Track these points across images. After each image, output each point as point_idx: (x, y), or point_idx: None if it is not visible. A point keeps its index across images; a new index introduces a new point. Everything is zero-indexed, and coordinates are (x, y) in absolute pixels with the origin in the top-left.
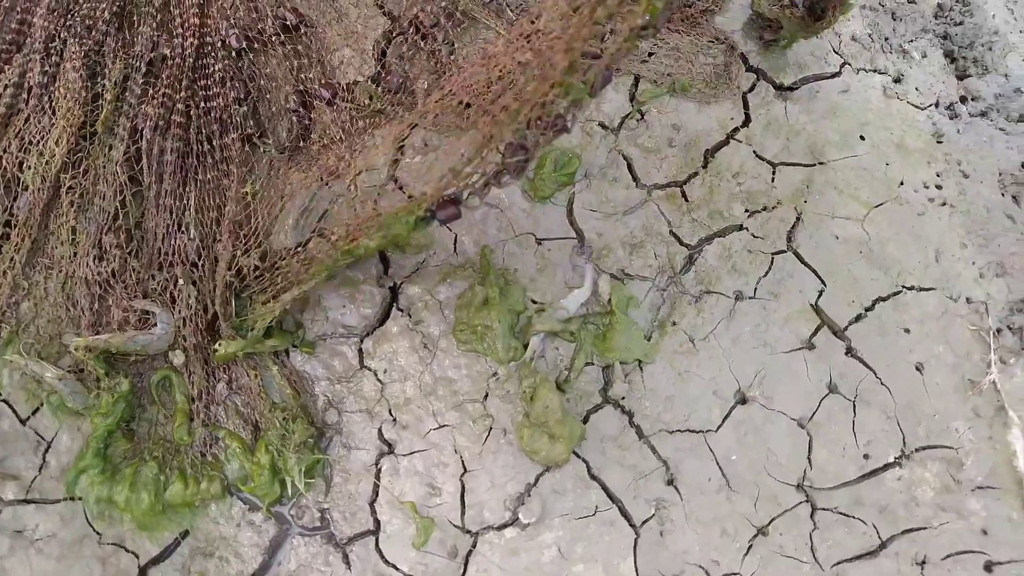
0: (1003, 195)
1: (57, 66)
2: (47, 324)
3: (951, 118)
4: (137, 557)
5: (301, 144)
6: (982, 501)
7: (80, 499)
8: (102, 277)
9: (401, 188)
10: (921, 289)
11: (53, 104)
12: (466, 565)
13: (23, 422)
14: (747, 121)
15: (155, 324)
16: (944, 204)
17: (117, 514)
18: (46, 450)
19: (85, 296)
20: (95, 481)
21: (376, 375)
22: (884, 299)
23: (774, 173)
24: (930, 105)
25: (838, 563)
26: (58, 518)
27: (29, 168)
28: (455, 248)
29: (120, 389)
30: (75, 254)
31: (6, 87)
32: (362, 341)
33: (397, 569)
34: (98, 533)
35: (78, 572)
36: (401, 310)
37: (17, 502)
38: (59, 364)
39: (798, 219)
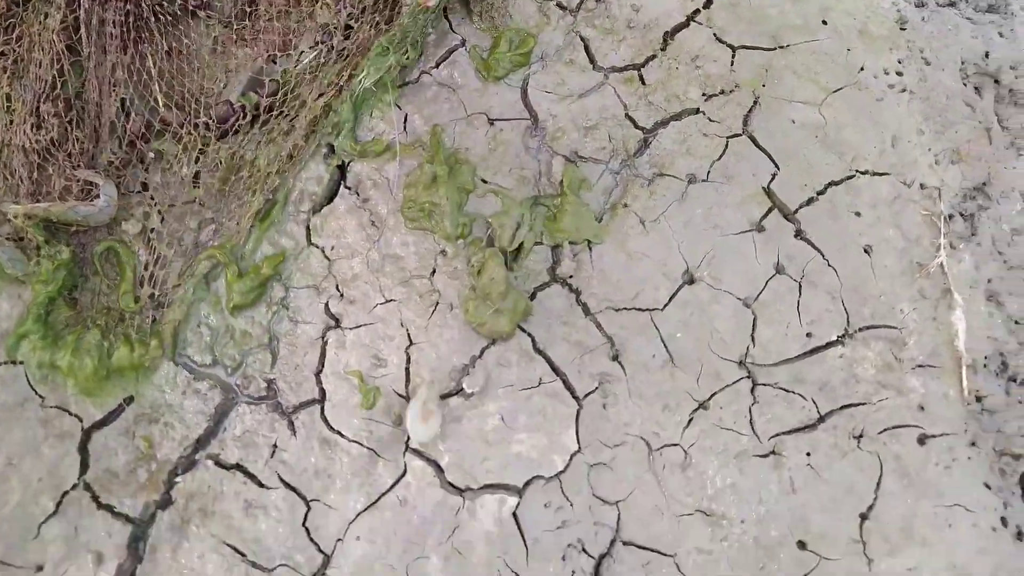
0: (964, 84)
1: None
2: None
3: (917, 5)
4: (80, 420)
5: (246, 18)
6: (921, 379)
7: (21, 363)
8: (41, 146)
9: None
10: (875, 174)
11: None
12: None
13: None
14: (708, 3)
15: (98, 196)
16: (904, 91)
17: (60, 379)
18: None
19: (23, 164)
20: (37, 346)
21: (323, 252)
22: (837, 183)
23: (733, 56)
24: None
25: (776, 435)
26: None
27: None
28: (405, 127)
29: (61, 257)
30: (11, 122)
31: None
32: (310, 218)
33: (342, 435)
34: (40, 396)
35: (20, 433)
36: (349, 188)
37: None
38: None
39: (755, 103)
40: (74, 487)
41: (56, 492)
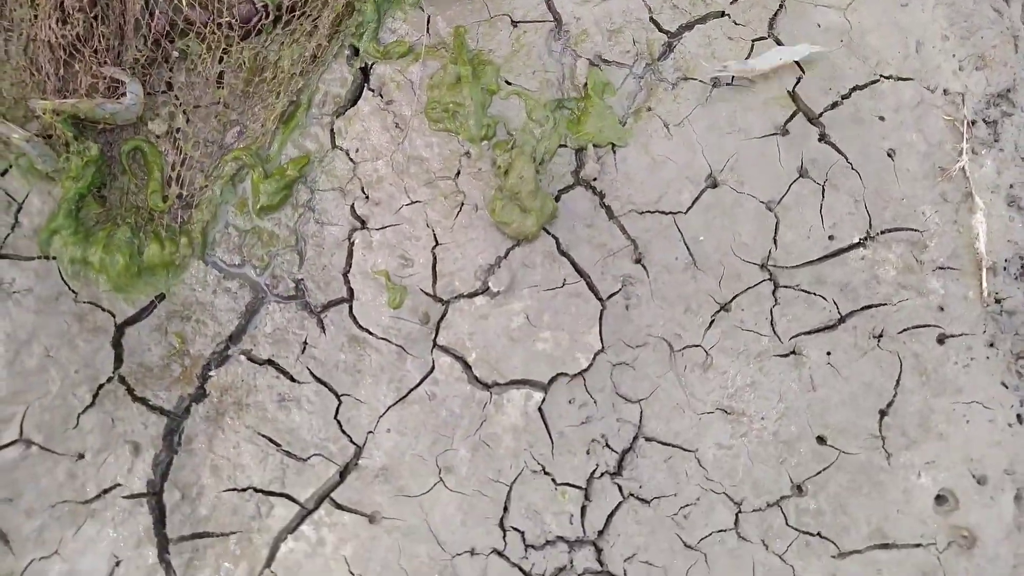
0: None
1: None
2: (10, 87)
3: None
4: (113, 316)
5: None
6: (941, 280)
7: (54, 259)
8: (66, 41)
9: None
10: (899, 79)
11: None
12: (437, 329)
13: None
14: None
15: (124, 93)
16: None
17: (92, 275)
18: (18, 210)
19: (49, 60)
20: (68, 242)
21: (348, 154)
22: (861, 87)
23: None
24: None
25: (796, 335)
26: (33, 274)
27: None
28: (428, 29)
29: (90, 153)
30: (35, 16)
31: None
32: (333, 121)
33: (370, 333)
34: (73, 292)
35: (55, 326)
36: (372, 90)
37: None
38: (26, 128)
39: (781, 6)
40: (109, 380)
41: (92, 384)
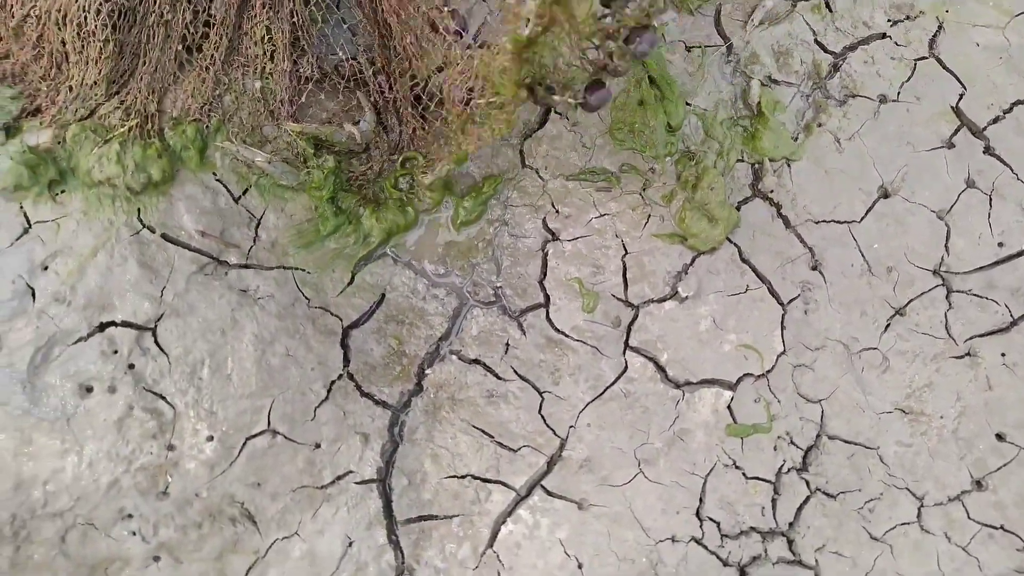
0: None
1: None
2: (248, 116)
3: None
4: (340, 320)
5: None
6: None
7: (290, 268)
8: (304, 73)
9: None
10: None
11: None
12: (629, 332)
13: (236, 200)
14: None
15: (359, 121)
16: None
17: (321, 284)
18: (257, 225)
19: (287, 89)
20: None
21: (538, 173)
22: (1022, 102)
23: None
24: None
25: (971, 338)
26: (273, 283)
27: None
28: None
29: (328, 165)
30: (274, 51)
31: None
32: (522, 143)
33: (567, 336)
34: (307, 298)
35: (293, 327)
36: (559, 113)
37: (239, 266)
38: (264, 151)
39: (940, 28)
40: (340, 377)
41: (326, 380)
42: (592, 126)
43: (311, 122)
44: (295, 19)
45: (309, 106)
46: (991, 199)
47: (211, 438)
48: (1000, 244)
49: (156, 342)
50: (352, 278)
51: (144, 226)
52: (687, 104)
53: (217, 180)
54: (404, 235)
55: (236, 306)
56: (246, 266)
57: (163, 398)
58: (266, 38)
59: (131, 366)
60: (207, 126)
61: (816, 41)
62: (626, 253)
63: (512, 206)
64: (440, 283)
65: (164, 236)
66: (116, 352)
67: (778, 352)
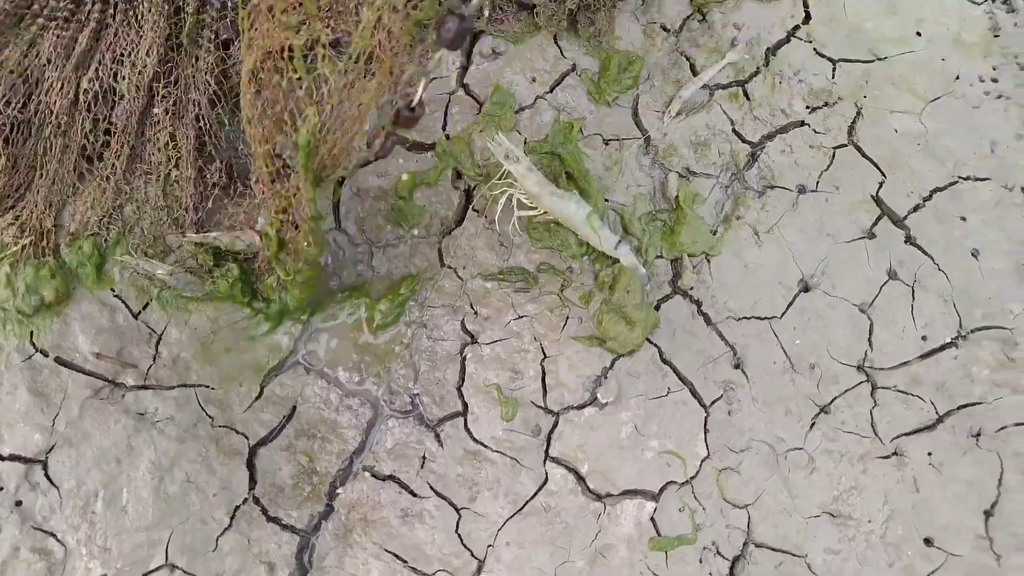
0: None
1: None
2: (150, 226)
3: (1008, 12)
4: (247, 438)
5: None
6: None
7: (192, 386)
8: (210, 183)
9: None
10: (977, 179)
11: (139, 19)
12: (549, 441)
13: (135, 316)
14: (807, 19)
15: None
16: (1000, 97)
17: (227, 400)
18: (157, 342)
19: (192, 196)
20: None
21: (456, 272)
22: (941, 189)
23: (834, 69)
24: (986, 0)
25: (897, 436)
26: (174, 403)
27: (123, 79)
28: (525, 151)
29: (232, 275)
30: (179, 158)
31: (93, 3)
32: (441, 242)
33: (485, 446)
34: (210, 417)
35: (195, 451)
36: (476, 211)
37: (137, 388)
38: (165, 262)
39: (858, 114)
40: (244, 501)
41: (229, 506)
42: (509, 224)
43: (214, 230)
44: (201, 123)
45: (216, 212)
46: (914, 291)
47: None
48: (923, 338)
49: (47, 475)
50: (261, 391)
51: (37, 350)
52: (605, 199)
53: (115, 296)
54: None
55: (133, 432)
56: (144, 387)
57: (53, 536)
58: (169, 144)
59: (18, 503)
60: (106, 240)
61: (734, 131)
62: (545, 357)
63: (430, 307)
64: (355, 392)
65: (58, 360)
66: (2, 489)
67: (702, 457)
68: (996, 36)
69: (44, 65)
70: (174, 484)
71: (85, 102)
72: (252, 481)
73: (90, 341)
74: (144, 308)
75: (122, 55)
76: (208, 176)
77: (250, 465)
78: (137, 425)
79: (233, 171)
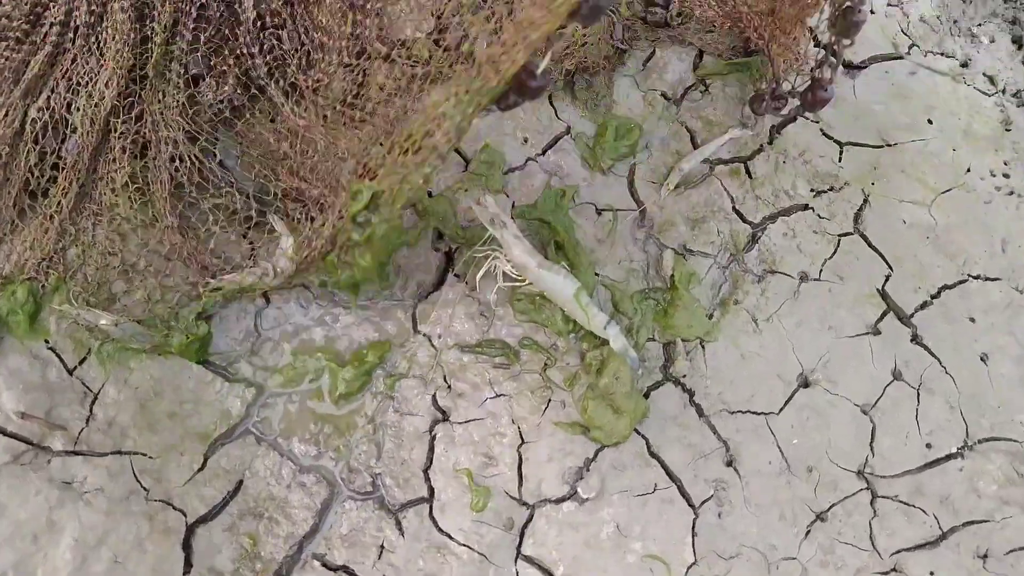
0: None
1: (104, 6)
2: (95, 272)
3: (1019, 106)
4: (185, 515)
5: (355, 100)
6: None
7: (127, 453)
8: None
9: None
10: (987, 279)
11: (101, 45)
12: (522, 537)
13: (70, 372)
14: None
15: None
16: (1011, 193)
17: (164, 471)
18: (93, 401)
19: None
20: None
21: (430, 340)
22: (950, 287)
23: (841, 153)
24: (997, 92)
25: (897, 552)
26: (105, 472)
27: (78, 110)
28: (513, 214)
29: (198, 332)
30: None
31: (52, 25)
32: (416, 306)
33: (451, 538)
34: (145, 489)
35: (126, 527)
36: (457, 276)
37: (65, 453)
38: (110, 311)
39: (865, 201)
40: None
41: None
42: (492, 292)
43: (227, 272)
44: (177, 163)
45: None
46: (919, 394)
47: None
48: (928, 445)
49: None
50: (204, 462)
51: None
52: (596, 274)
53: (49, 348)
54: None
55: (56, 503)
56: (74, 452)
57: None
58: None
59: None
60: (43, 285)
61: (735, 209)
62: (522, 443)
63: (400, 377)
64: (310, 468)
65: None
66: None
67: (688, 563)
68: (1008, 130)
69: None
70: (100, 564)
71: (32, 132)
72: (188, 564)
73: (15, 398)
74: (81, 363)
75: (79, 84)
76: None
77: (186, 546)
78: (61, 496)
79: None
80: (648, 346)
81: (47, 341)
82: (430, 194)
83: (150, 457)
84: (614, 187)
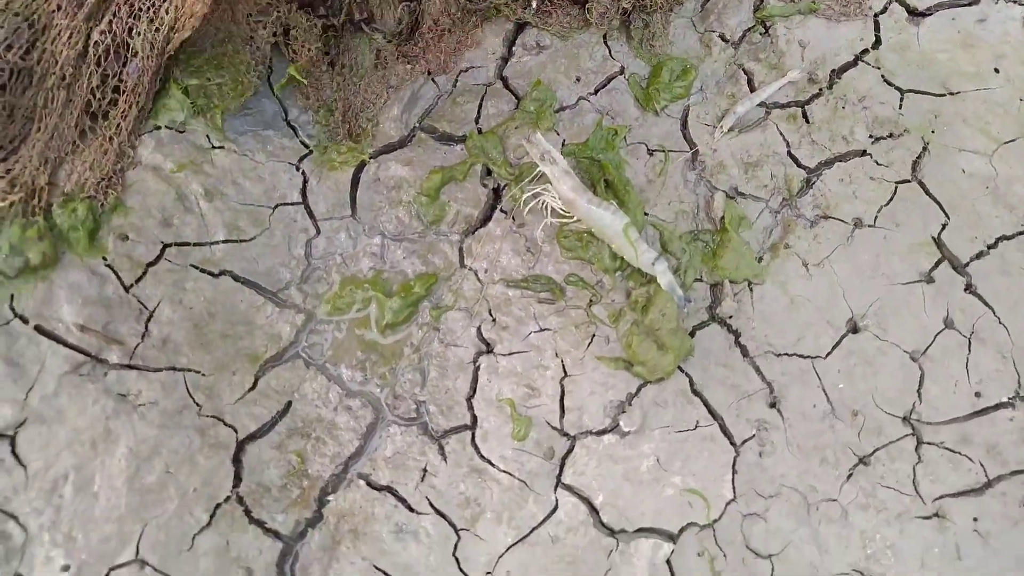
0: None
1: None
2: None
3: None
4: (235, 431)
5: (410, 33)
6: None
7: (184, 370)
8: None
9: (508, 87)
10: None
11: None
12: (562, 467)
13: (127, 289)
14: (877, 43)
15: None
16: None
17: (218, 388)
18: (148, 319)
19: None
20: None
21: (476, 275)
22: (1008, 238)
23: (902, 100)
24: None
25: (941, 497)
26: (160, 386)
27: (138, 35)
28: (563, 153)
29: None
30: None
31: None
32: (463, 240)
33: (492, 465)
34: (198, 405)
35: (178, 441)
36: (504, 212)
37: (121, 366)
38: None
39: (924, 149)
40: (227, 499)
41: (210, 504)
42: (539, 229)
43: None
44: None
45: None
46: (970, 343)
47: (67, 567)
48: (977, 394)
49: (14, 452)
50: (255, 382)
51: (16, 315)
52: (645, 213)
53: (107, 266)
54: None
55: (112, 414)
56: (129, 366)
57: (14, 518)
58: None
59: None
60: (102, 204)
61: (789, 153)
62: (565, 375)
63: (446, 309)
64: (356, 392)
65: (38, 328)
66: None
67: (727, 499)
68: None
69: (53, 11)
70: (152, 474)
71: (95, 55)
72: (237, 478)
73: (75, 311)
74: (137, 281)
75: (140, 9)
76: None
77: (236, 461)
78: (117, 407)
79: None
80: (695, 287)
81: (105, 258)
82: (480, 131)
83: (203, 375)
84: (666, 128)
